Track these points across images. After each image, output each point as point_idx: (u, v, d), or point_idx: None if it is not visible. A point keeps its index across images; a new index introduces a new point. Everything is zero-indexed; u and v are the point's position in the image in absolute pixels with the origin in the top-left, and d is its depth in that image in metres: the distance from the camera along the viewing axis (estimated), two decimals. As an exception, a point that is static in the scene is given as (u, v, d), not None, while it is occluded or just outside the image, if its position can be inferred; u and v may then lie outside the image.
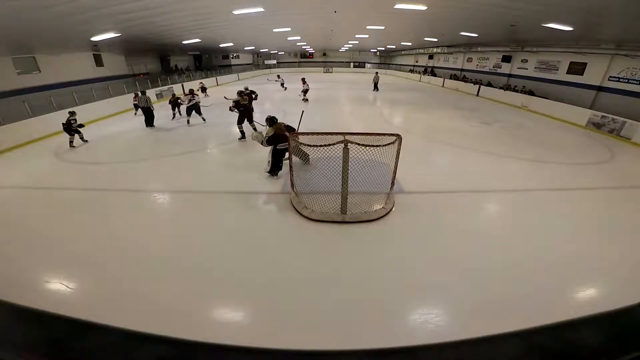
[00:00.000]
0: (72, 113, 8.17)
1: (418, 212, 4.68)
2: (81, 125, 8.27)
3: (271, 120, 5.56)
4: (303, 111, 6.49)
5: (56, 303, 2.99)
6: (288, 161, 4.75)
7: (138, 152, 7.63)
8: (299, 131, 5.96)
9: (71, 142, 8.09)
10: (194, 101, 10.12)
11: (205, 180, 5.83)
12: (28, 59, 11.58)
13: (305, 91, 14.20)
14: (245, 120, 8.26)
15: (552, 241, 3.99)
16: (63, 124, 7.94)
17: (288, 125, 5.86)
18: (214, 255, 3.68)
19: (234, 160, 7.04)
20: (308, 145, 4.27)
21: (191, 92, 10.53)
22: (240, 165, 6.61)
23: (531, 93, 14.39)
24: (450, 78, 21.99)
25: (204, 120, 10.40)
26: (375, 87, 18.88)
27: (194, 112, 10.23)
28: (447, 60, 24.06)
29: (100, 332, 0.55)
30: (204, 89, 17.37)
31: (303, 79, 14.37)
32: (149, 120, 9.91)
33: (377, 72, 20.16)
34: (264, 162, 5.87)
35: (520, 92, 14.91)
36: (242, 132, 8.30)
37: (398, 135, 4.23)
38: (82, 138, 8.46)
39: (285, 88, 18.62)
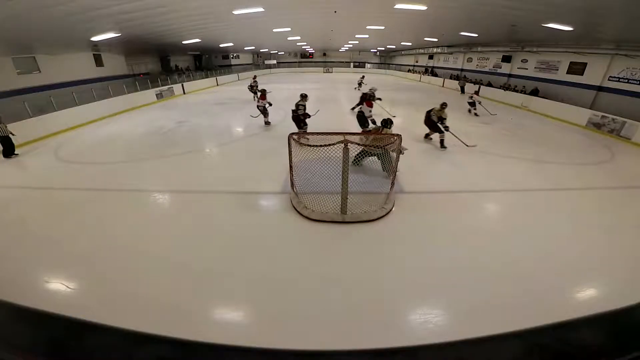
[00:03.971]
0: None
1: (418, 212, 4.68)
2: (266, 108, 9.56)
3: (387, 122, 5.87)
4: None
5: (56, 303, 2.99)
6: (288, 161, 4.74)
7: (137, 152, 7.63)
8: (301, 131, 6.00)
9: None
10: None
11: (205, 180, 5.83)
12: (28, 59, 11.58)
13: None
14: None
15: (552, 241, 3.99)
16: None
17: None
18: (214, 255, 3.68)
19: (234, 160, 7.04)
20: (308, 145, 4.27)
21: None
22: (240, 165, 6.62)
23: (536, 91, 14.35)
24: (450, 78, 22.02)
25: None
26: (462, 91, 18.89)
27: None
28: (447, 60, 24.06)
29: (100, 332, 0.55)
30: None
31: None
32: (9, 150, 7.60)
33: (464, 78, 20.35)
34: (264, 162, 5.87)
35: (522, 92, 14.92)
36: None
37: (398, 135, 4.24)
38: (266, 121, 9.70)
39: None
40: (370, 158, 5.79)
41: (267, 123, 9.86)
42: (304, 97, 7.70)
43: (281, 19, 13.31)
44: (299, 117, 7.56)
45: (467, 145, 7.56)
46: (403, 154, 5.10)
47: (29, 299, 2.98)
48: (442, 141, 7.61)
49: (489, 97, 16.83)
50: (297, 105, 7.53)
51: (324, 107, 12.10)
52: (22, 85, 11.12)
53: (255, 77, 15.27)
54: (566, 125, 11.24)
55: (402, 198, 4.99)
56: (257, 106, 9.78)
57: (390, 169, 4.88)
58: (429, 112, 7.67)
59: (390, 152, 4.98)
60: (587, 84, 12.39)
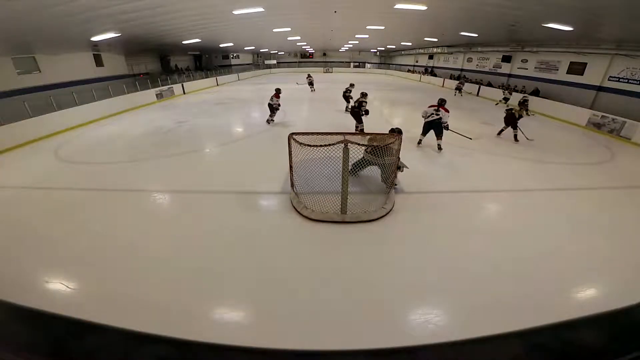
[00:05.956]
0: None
1: (418, 212, 4.68)
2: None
3: (393, 130, 5.50)
4: None
5: (56, 303, 2.99)
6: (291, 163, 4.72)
7: (138, 152, 7.63)
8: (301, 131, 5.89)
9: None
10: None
11: (205, 180, 5.83)
12: (28, 59, 11.56)
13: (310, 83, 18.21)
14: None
15: (552, 241, 3.99)
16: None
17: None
18: (214, 255, 3.68)
19: (234, 160, 7.04)
20: (308, 145, 4.26)
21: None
22: (240, 165, 6.62)
23: (537, 92, 14.33)
24: (450, 78, 22.05)
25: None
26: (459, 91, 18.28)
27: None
28: (447, 60, 24.07)
29: (100, 332, 0.55)
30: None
31: (308, 75, 19.00)
32: None
33: (464, 78, 19.78)
34: (265, 162, 5.89)
35: (522, 92, 14.90)
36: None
37: (398, 135, 4.23)
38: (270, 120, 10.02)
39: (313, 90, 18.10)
40: (369, 167, 5.51)
41: (270, 121, 10.10)
42: (365, 95, 8.49)
43: (281, 19, 13.31)
44: (360, 112, 8.24)
45: (527, 139, 8.53)
46: (402, 171, 5.05)
47: (29, 299, 2.98)
48: (515, 136, 8.49)
49: (489, 96, 16.88)
50: (360, 102, 8.19)
51: (325, 107, 12.13)
52: (22, 85, 11.10)
53: (351, 85, 12.20)
54: (566, 125, 11.24)
55: (402, 198, 4.99)
56: (270, 105, 9.97)
57: (389, 180, 4.78)
58: (510, 111, 8.47)
59: (391, 162, 4.73)
60: (587, 84, 12.39)
